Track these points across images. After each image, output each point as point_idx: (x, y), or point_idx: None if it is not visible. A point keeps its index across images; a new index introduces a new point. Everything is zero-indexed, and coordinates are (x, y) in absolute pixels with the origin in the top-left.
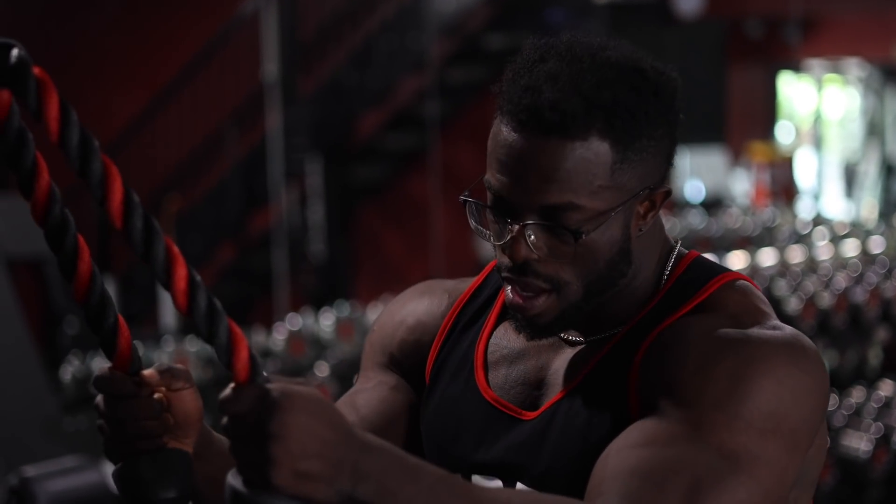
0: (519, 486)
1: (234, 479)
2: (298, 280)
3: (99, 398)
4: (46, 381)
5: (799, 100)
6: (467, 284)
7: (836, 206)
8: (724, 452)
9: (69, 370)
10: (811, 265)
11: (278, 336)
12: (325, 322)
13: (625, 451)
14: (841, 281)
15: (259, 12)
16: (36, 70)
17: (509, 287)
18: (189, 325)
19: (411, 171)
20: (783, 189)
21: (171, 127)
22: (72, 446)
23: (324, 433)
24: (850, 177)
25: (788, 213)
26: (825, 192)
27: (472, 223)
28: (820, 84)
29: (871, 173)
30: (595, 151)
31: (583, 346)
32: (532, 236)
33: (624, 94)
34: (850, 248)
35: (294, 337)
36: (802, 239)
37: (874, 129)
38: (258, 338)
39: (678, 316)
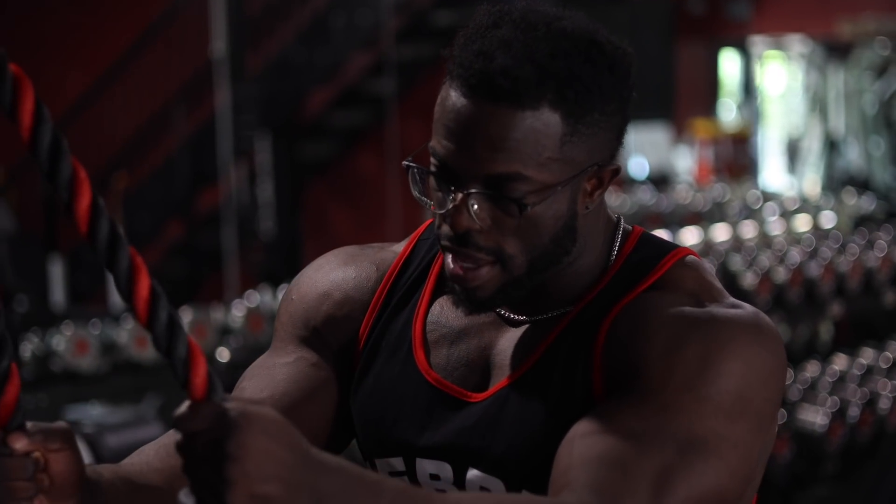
0: (472, 470)
1: (186, 499)
2: (248, 258)
3: None
4: None
5: (741, 76)
6: (392, 253)
7: (779, 182)
8: (692, 436)
9: (28, 348)
10: (764, 240)
11: (237, 313)
12: None
13: (590, 437)
14: (795, 256)
15: None
16: (13, 67)
17: (450, 257)
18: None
19: (360, 148)
20: (726, 166)
21: (118, 104)
22: None
23: (282, 455)
24: (793, 152)
25: (738, 188)
26: (767, 168)
27: (415, 191)
28: (762, 61)
29: (814, 149)
30: (545, 122)
31: (528, 325)
32: (475, 206)
33: (578, 65)
34: (802, 223)
35: (253, 314)
36: (753, 214)
37: (817, 105)
38: (217, 314)
39: (635, 294)
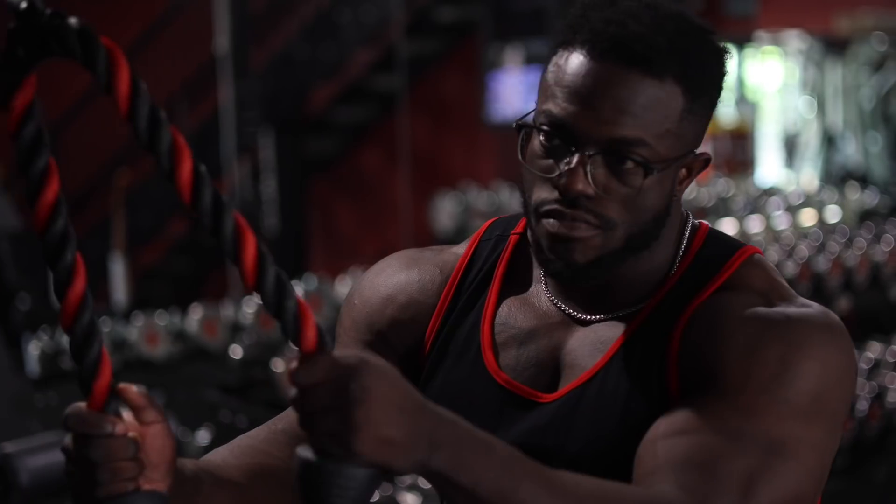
0: None
1: (305, 452)
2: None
3: (68, 438)
4: (9, 358)
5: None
6: (453, 255)
7: (776, 177)
8: (772, 438)
9: (38, 346)
10: (772, 235)
11: (247, 310)
12: None
13: (674, 439)
14: (803, 250)
15: None
16: (104, 40)
17: (551, 221)
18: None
19: (365, 144)
20: (725, 162)
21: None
22: (45, 423)
23: (402, 401)
24: (791, 148)
25: (741, 184)
26: (764, 163)
27: (520, 154)
28: (760, 57)
29: (811, 144)
30: (669, 93)
31: (598, 324)
32: (593, 169)
33: (699, 48)
34: (807, 217)
35: (263, 311)
36: (758, 209)
37: (815, 101)
38: (227, 312)
39: (707, 294)
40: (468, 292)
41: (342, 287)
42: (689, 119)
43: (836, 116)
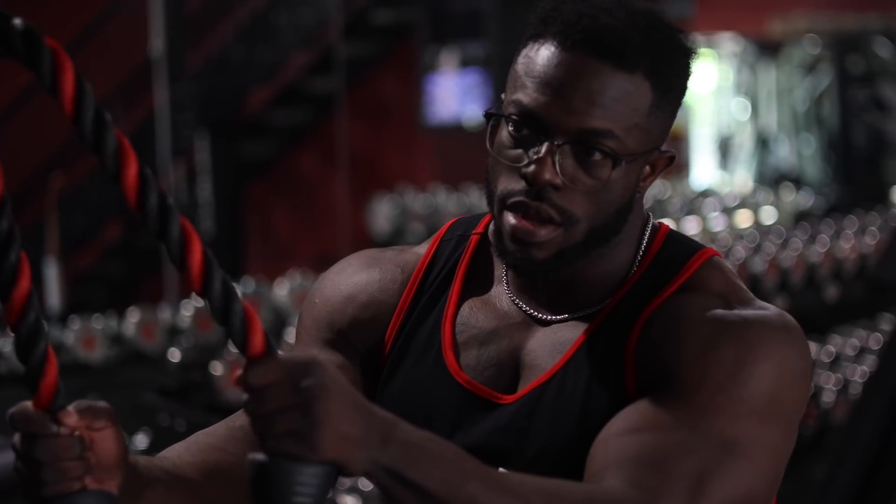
0: (503, 471)
1: (259, 457)
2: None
3: (16, 437)
4: None
5: None
6: (415, 255)
7: (710, 179)
8: (726, 437)
9: None
10: (709, 236)
11: (185, 313)
12: None
13: (626, 437)
14: (740, 251)
15: None
16: (49, 41)
17: (512, 215)
18: (78, 305)
19: (301, 146)
20: None
21: (55, 103)
22: None
23: (356, 398)
24: (725, 150)
25: (677, 185)
26: (699, 165)
27: (489, 144)
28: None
29: (745, 146)
30: (638, 87)
31: (558, 324)
32: (561, 159)
33: (670, 45)
34: (743, 218)
35: (201, 313)
36: (694, 211)
37: (749, 103)
38: (164, 315)
39: (666, 295)
40: (429, 292)
41: (280, 290)
42: (657, 115)
43: (770, 119)
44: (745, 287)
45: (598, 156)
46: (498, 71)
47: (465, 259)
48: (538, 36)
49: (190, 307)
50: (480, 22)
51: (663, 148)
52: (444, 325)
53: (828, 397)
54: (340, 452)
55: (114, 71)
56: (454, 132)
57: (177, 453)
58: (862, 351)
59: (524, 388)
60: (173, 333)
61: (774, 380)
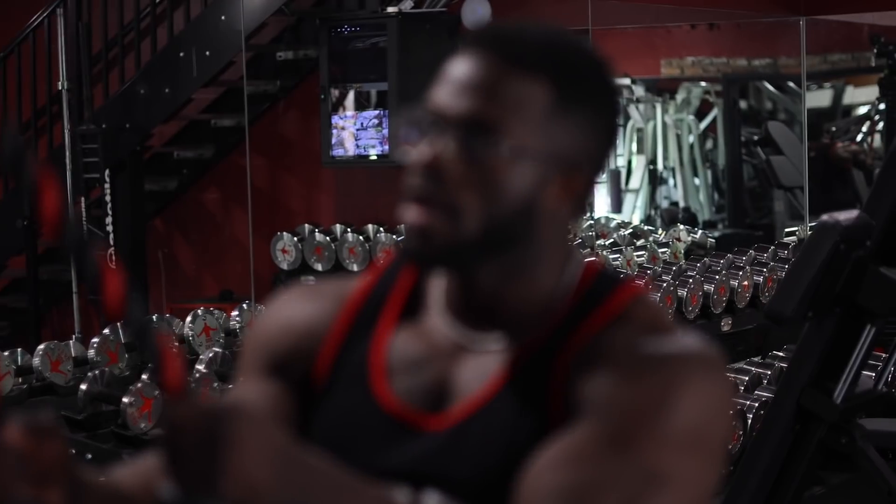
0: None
1: (167, 493)
2: (93, 293)
3: None
4: None
5: None
6: (352, 287)
7: (604, 214)
8: (651, 471)
9: None
10: None
11: (94, 345)
12: None
13: (552, 471)
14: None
15: (52, 24)
16: None
17: (409, 209)
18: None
19: (205, 182)
20: None
21: None
22: None
23: (271, 446)
24: (617, 185)
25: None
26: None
27: (395, 146)
28: None
29: (637, 183)
30: (538, 90)
31: (488, 354)
32: (448, 145)
33: (584, 62)
34: (636, 254)
35: (109, 346)
36: (586, 245)
37: (641, 141)
38: (73, 348)
39: (593, 327)
40: (363, 320)
41: (188, 324)
42: (561, 123)
43: (661, 157)
44: (670, 321)
45: (481, 143)
46: (396, 110)
47: (401, 289)
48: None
49: (98, 340)
50: (383, 62)
51: (587, 173)
52: (375, 353)
53: None
54: (246, 500)
55: (20, 107)
56: (355, 169)
57: (123, 472)
58: (754, 383)
59: (453, 416)
60: (82, 366)
61: (699, 413)
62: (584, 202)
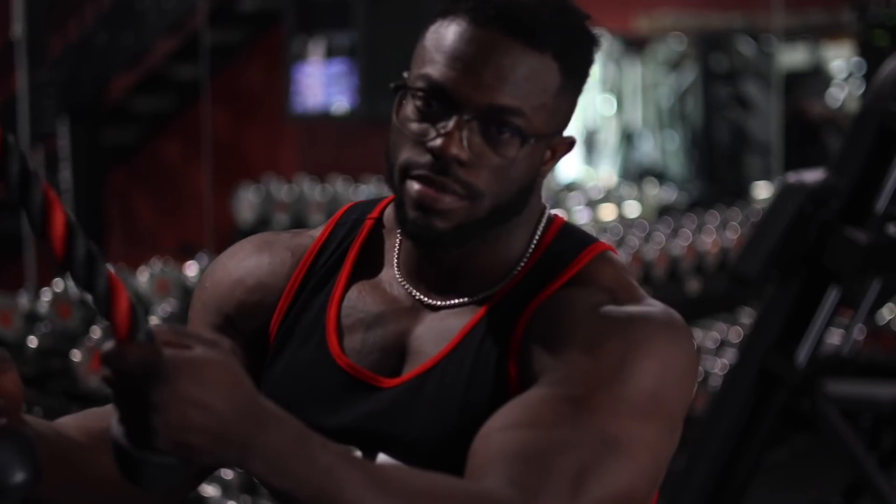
0: (381, 455)
1: (117, 430)
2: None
3: None
4: None
5: None
6: (308, 238)
7: (576, 173)
8: (607, 435)
9: None
10: None
11: (44, 299)
12: None
13: (508, 432)
14: None
15: None
16: None
17: (417, 184)
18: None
19: (165, 134)
20: None
21: None
22: None
23: (214, 405)
24: (591, 144)
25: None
26: (565, 160)
27: (394, 117)
28: None
29: (610, 141)
30: (548, 68)
31: (446, 311)
32: (468, 134)
33: (580, 29)
34: (607, 212)
35: (60, 300)
36: (559, 204)
37: (614, 99)
38: (23, 301)
39: (554, 288)
40: (318, 275)
41: (142, 277)
42: (564, 97)
43: (635, 114)
44: (635, 283)
45: (506, 133)
46: (365, 60)
47: (358, 243)
48: (449, 12)
49: (49, 294)
50: (348, 11)
51: (564, 133)
52: (330, 309)
53: None
54: (183, 454)
55: None
56: (320, 122)
57: (66, 419)
58: (722, 344)
59: (407, 373)
60: (32, 320)
61: (657, 378)
62: (564, 154)
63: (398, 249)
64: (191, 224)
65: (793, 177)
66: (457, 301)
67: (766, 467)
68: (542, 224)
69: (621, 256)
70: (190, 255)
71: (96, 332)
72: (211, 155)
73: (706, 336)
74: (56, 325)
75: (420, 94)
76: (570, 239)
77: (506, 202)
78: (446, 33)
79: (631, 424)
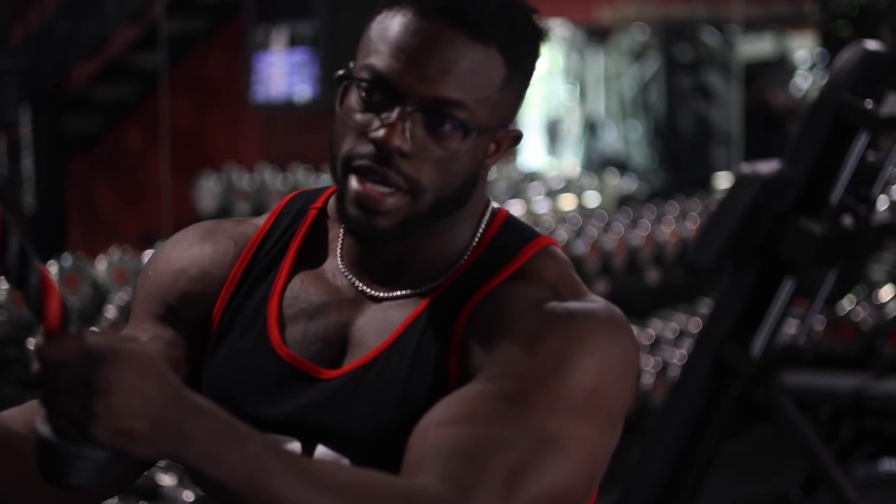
0: (320, 447)
1: (43, 429)
2: None
3: None
4: None
5: None
6: (252, 227)
7: (539, 163)
8: (544, 432)
9: None
10: (531, 219)
11: (2, 287)
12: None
13: (445, 427)
14: (562, 234)
15: None
16: None
17: (356, 179)
18: None
19: (126, 123)
20: None
21: None
22: None
23: (150, 392)
24: (553, 134)
25: (503, 168)
26: (527, 149)
27: (338, 107)
28: None
29: (573, 131)
30: (492, 61)
31: (388, 303)
32: (411, 126)
33: (526, 22)
34: (567, 202)
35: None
36: (519, 194)
37: (577, 88)
38: None
39: (496, 282)
40: (261, 265)
41: (101, 266)
42: (508, 90)
43: (598, 104)
44: (577, 278)
45: (448, 126)
46: (326, 50)
47: (301, 232)
48: (395, 3)
49: (5, 282)
50: (309, 1)
51: (510, 126)
52: (272, 299)
53: (647, 380)
54: (120, 445)
55: None
56: (282, 111)
57: (11, 411)
58: (681, 334)
59: (348, 365)
60: None
61: (596, 375)
62: (509, 148)
63: (342, 240)
64: (152, 212)
65: (747, 167)
66: (400, 293)
67: (725, 457)
68: (486, 217)
69: (580, 247)
70: (150, 243)
71: None
72: (170, 143)
73: (665, 327)
74: (13, 313)
75: (364, 84)
76: (514, 233)
77: (449, 195)
78: (391, 24)
79: (569, 422)
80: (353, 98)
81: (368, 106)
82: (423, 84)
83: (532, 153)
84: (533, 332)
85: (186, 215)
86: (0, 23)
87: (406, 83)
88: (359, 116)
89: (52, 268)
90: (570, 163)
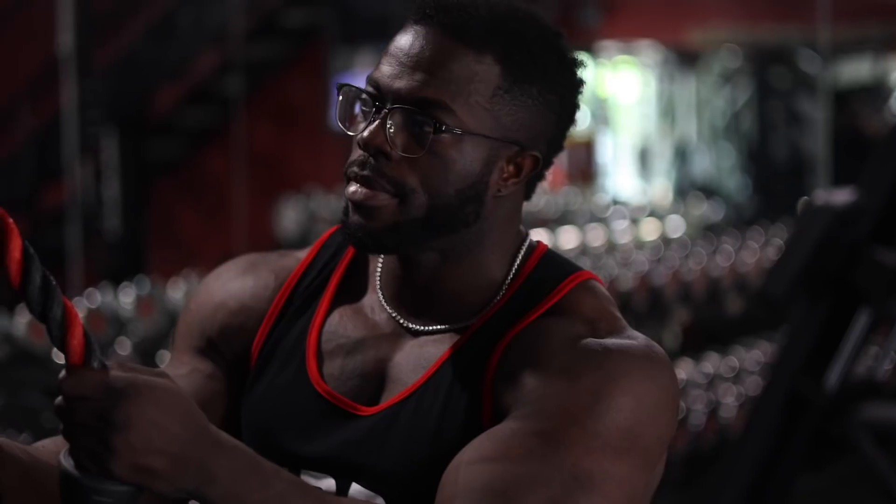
0: (355, 485)
1: (66, 462)
2: (92, 256)
3: None
4: None
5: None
6: (293, 261)
7: (630, 189)
8: (578, 471)
9: None
10: (611, 246)
11: (79, 313)
12: (125, 299)
13: (477, 466)
14: (642, 262)
15: None
16: None
17: (349, 185)
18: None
19: (208, 147)
20: (580, 171)
21: None
22: None
23: (172, 428)
24: (645, 159)
25: (587, 194)
26: (619, 174)
27: (337, 115)
28: (613, 67)
29: (664, 156)
30: (485, 68)
31: (425, 338)
32: (392, 126)
33: (531, 36)
34: (649, 229)
35: (93, 314)
36: (601, 220)
37: (668, 113)
38: None
39: (533, 318)
40: (301, 299)
41: (175, 291)
42: (508, 101)
43: (689, 129)
44: (617, 314)
45: (428, 126)
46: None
47: (342, 267)
48: (405, 20)
49: (83, 307)
50: (389, 24)
51: (531, 149)
52: (311, 333)
53: (727, 412)
54: (139, 481)
55: (22, 66)
56: None
57: (42, 442)
58: (765, 364)
59: (385, 401)
60: None
61: (632, 414)
62: (534, 183)
63: (381, 272)
64: (232, 236)
65: (820, 196)
66: (437, 328)
67: (806, 492)
68: (523, 251)
69: (659, 275)
70: None
71: (124, 345)
72: (248, 167)
73: (747, 356)
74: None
75: (364, 95)
76: (552, 267)
77: (442, 203)
78: (397, 37)
79: (603, 461)
80: (358, 111)
81: (365, 116)
82: (405, 84)
83: (623, 179)
84: (568, 369)
85: (266, 239)
86: (85, 47)
87: (389, 84)
88: (358, 126)
89: (129, 292)
90: (661, 188)
